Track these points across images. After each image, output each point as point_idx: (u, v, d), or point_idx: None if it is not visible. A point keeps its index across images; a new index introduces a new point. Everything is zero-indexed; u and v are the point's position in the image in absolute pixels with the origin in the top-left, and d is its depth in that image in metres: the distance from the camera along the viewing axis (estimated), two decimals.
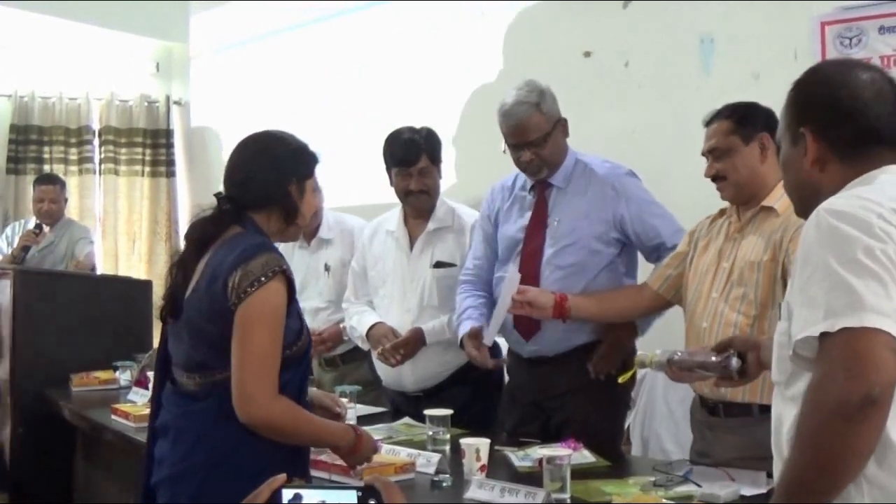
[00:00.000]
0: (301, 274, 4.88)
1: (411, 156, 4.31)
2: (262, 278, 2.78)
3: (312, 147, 3.12)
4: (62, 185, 7.54)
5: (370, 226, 4.72)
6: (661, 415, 5.00)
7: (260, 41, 8.79)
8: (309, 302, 4.89)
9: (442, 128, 5.69)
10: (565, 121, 3.97)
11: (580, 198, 3.91)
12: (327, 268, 5.01)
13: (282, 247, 3.21)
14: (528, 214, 4.00)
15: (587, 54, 5.90)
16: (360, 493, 1.63)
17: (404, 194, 4.38)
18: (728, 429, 3.35)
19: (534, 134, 3.86)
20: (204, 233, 2.96)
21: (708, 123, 3.47)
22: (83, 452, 5.33)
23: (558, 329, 3.83)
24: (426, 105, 6.89)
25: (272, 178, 2.99)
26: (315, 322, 4.90)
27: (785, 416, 2.01)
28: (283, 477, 1.67)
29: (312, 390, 3.40)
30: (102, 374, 5.39)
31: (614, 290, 3.87)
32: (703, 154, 3.47)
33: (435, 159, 4.37)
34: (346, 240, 4.98)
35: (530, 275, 3.89)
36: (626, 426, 5.14)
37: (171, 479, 2.91)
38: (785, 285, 3.18)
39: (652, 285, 3.71)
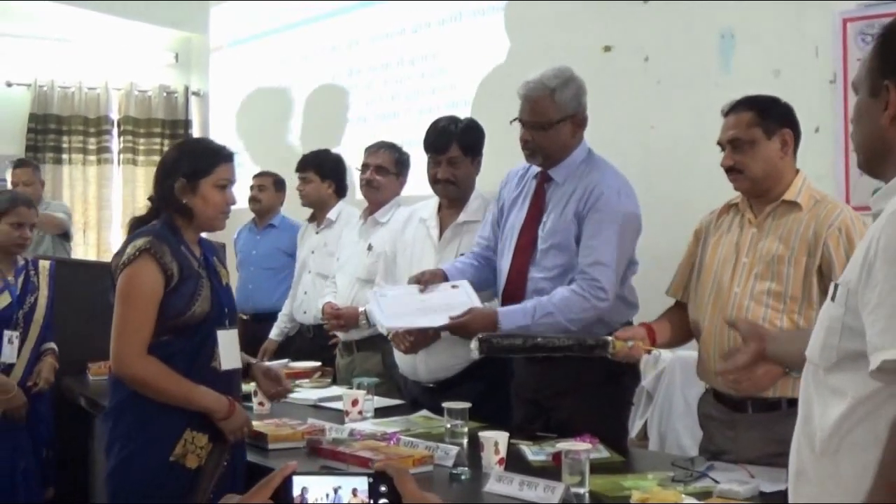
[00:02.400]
0: (349, 248, 5.30)
1: (441, 144, 4.33)
2: (128, 259, 3.28)
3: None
4: (35, 168, 7.62)
5: (406, 212, 4.78)
6: (678, 410, 4.98)
7: (279, 33, 8.79)
8: (343, 276, 5.17)
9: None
10: (582, 119, 3.89)
11: (569, 197, 3.83)
12: (370, 248, 5.06)
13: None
14: (527, 208, 3.97)
15: (607, 49, 5.87)
16: (371, 480, 1.62)
17: (433, 182, 4.40)
18: (753, 425, 3.30)
19: (537, 117, 3.81)
20: (131, 226, 3.52)
21: (727, 113, 3.41)
22: (101, 443, 5.32)
23: None
24: (444, 98, 6.89)
25: (159, 179, 3.50)
26: (339, 299, 5.12)
27: (825, 408, 1.89)
28: (294, 465, 1.67)
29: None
30: None
31: (665, 320, 3.65)
32: (720, 143, 3.41)
33: (469, 150, 4.35)
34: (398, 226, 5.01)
35: (520, 272, 3.88)
36: (641, 423, 5.14)
37: (101, 419, 3.53)
38: (822, 280, 3.19)
39: (674, 295, 3.65)
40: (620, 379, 3.83)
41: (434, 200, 4.54)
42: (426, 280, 3.95)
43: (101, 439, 3.49)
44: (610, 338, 3.41)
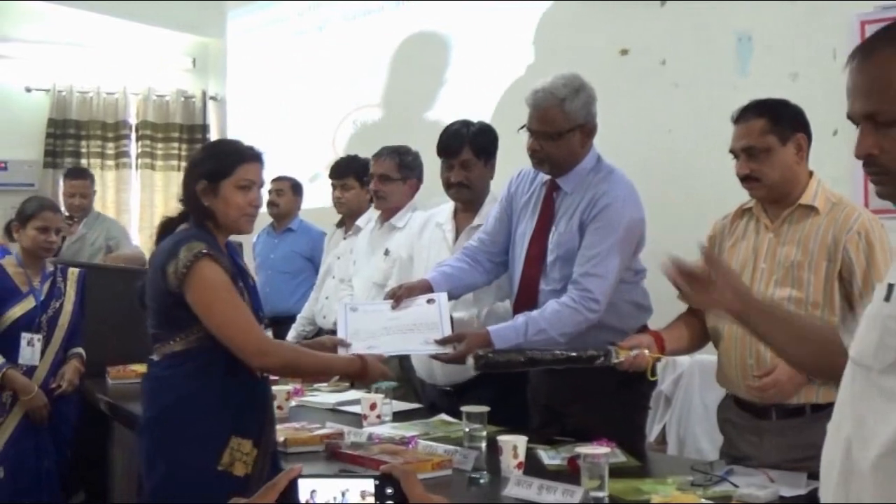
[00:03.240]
0: (364, 252, 5.31)
1: (453, 147, 4.32)
2: (189, 263, 3.19)
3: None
4: (92, 179, 7.59)
5: (423, 216, 4.77)
6: (697, 414, 4.97)
7: (296, 37, 8.81)
8: (359, 281, 5.19)
9: None
10: (591, 128, 3.83)
11: (577, 207, 3.78)
12: (387, 252, 5.07)
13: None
14: (536, 218, 3.93)
15: (624, 52, 5.88)
16: (377, 482, 1.62)
17: (446, 185, 4.39)
18: (778, 431, 3.29)
19: (546, 127, 3.75)
20: (163, 227, 3.47)
21: (737, 120, 3.36)
22: (119, 446, 5.35)
23: None
24: (459, 102, 6.90)
25: (185, 181, 3.47)
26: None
27: (883, 414, 1.79)
28: (299, 468, 1.67)
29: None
30: (139, 367, 5.38)
31: (677, 327, 3.62)
32: (733, 152, 3.36)
33: (481, 153, 4.33)
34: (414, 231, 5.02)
35: (530, 285, 3.86)
36: (660, 427, 5.14)
37: (139, 430, 3.41)
38: (844, 284, 3.18)
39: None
40: (635, 383, 3.81)
41: (450, 205, 4.53)
42: (401, 295, 3.85)
43: (140, 451, 3.38)
44: (612, 347, 3.39)
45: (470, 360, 3.43)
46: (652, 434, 5.03)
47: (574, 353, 3.43)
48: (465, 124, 4.40)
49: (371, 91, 7.92)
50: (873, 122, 1.79)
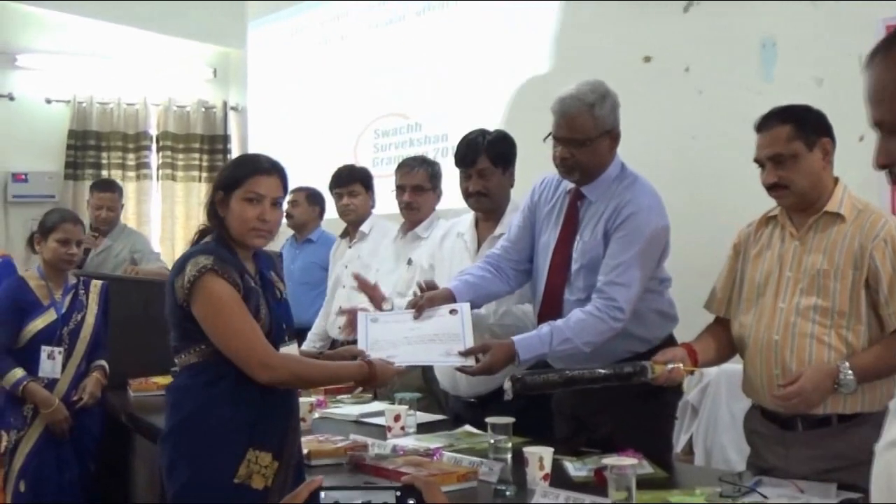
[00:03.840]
0: (387, 262, 5.29)
1: (470, 156, 4.31)
2: (193, 278, 3.21)
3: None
4: (120, 191, 7.52)
5: (444, 226, 4.77)
6: (724, 424, 4.95)
7: (318, 47, 8.84)
8: (384, 288, 5.04)
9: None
10: (617, 133, 3.82)
11: (601, 216, 3.77)
12: (410, 262, 5.07)
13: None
14: (560, 226, 3.91)
15: (647, 59, 5.86)
16: (398, 494, 1.62)
17: (465, 195, 4.38)
18: (804, 442, 3.26)
19: (576, 134, 3.73)
20: (198, 238, 3.47)
21: (761, 128, 3.34)
22: (142, 458, 5.35)
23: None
24: (479, 108, 6.90)
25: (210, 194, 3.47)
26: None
27: None
28: (320, 479, 1.67)
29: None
30: (161, 380, 5.39)
31: (706, 339, 3.60)
32: (758, 161, 3.34)
33: (499, 161, 4.31)
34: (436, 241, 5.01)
35: (554, 295, 3.84)
36: (687, 437, 5.11)
37: (161, 439, 3.41)
38: (870, 293, 3.16)
39: (717, 312, 3.59)
40: (662, 393, 3.79)
41: (471, 215, 4.52)
42: (423, 305, 3.84)
43: (161, 461, 3.38)
44: (648, 363, 3.37)
45: (507, 384, 3.40)
46: (679, 444, 5.01)
47: (610, 371, 3.41)
48: (482, 133, 4.38)
49: (393, 100, 7.93)
50: (884, 130, 1.77)
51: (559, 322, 3.68)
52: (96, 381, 5.23)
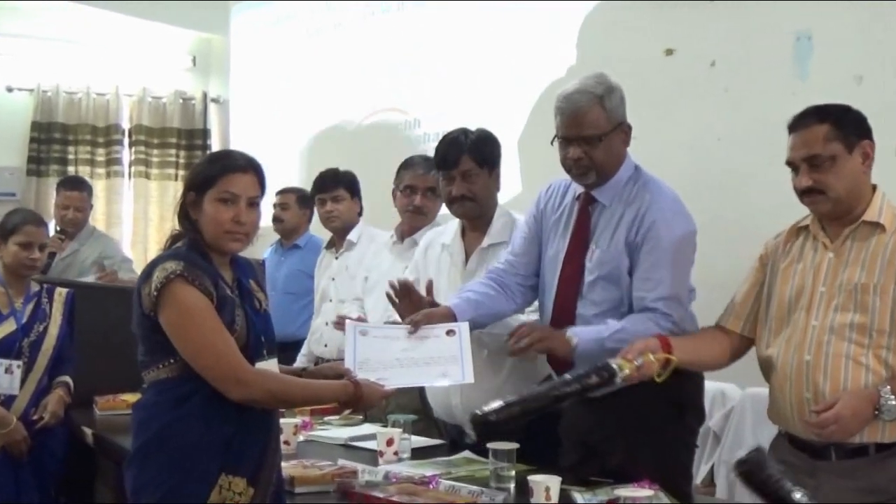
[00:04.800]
0: (382, 269, 5.27)
1: (451, 157, 4.28)
2: (160, 285, 3.19)
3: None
4: (89, 190, 7.53)
5: (427, 237, 4.74)
6: None
7: (307, 35, 8.84)
8: (373, 299, 5.22)
9: (509, 130, 5.66)
10: (629, 127, 3.84)
11: (618, 222, 3.78)
12: (407, 269, 5.05)
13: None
14: (570, 235, 3.92)
15: (669, 52, 5.88)
16: None
17: (448, 202, 4.36)
18: (840, 473, 3.25)
19: (588, 129, 3.74)
20: (171, 242, 3.45)
21: (795, 127, 3.34)
22: (107, 482, 5.36)
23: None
24: (492, 105, 6.90)
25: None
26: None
27: None
28: None
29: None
30: (130, 397, 5.37)
31: (700, 337, 3.70)
32: (791, 163, 3.34)
33: (484, 162, 4.28)
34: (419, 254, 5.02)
35: (565, 309, 3.85)
36: (708, 467, 5.12)
37: (127, 461, 3.38)
38: None
39: (732, 328, 3.59)
40: (682, 418, 3.80)
41: (456, 223, 4.50)
42: (419, 321, 3.85)
43: (127, 486, 3.35)
44: (615, 362, 3.29)
45: (468, 427, 3.42)
46: (699, 475, 5.02)
47: (575, 387, 3.31)
48: (464, 132, 4.35)
49: (390, 95, 7.95)
50: None
51: (617, 323, 3.70)
52: (59, 398, 5.20)
